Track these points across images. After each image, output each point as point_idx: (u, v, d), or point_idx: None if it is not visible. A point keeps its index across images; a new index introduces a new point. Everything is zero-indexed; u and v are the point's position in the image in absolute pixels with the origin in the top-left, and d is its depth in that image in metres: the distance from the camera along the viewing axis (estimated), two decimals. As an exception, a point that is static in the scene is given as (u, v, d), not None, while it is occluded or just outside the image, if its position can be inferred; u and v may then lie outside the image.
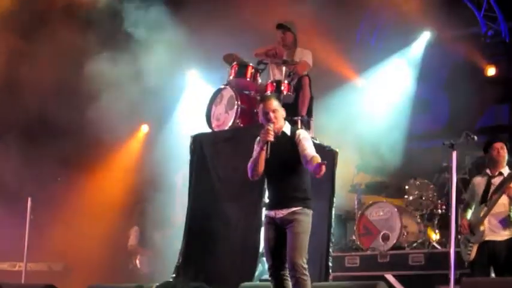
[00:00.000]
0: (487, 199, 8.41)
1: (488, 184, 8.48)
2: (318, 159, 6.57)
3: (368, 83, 13.80)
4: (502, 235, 8.28)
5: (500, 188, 8.32)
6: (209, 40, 12.10)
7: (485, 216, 8.31)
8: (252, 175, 6.92)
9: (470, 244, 8.35)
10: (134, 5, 12.47)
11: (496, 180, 8.45)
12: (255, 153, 6.87)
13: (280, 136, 6.84)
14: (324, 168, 6.47)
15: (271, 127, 6.75)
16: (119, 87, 12.54)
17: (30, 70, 12.48)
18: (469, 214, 8.58)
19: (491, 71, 13.39)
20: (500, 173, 8.49)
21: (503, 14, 13.47)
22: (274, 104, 6.90)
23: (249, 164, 6.91)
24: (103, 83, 12.51)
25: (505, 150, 8.53)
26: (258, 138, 6.84)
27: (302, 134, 6.89)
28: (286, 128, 6.92)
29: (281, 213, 6.73)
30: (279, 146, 6.74)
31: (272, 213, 6.82)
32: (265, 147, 6.73)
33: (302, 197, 6.77)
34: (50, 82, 12.72)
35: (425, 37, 13.89)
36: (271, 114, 6.83)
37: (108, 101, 12.60)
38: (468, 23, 13.79)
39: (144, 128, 15.21)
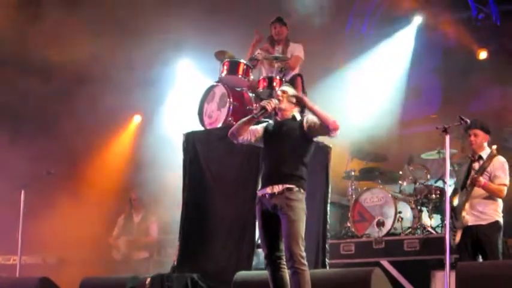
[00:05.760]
0: (466, 184, 8.41)
1: (469, 169, 8.47)
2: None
3: (359, 71, 13.75)
4: (484, 219, 8.28)
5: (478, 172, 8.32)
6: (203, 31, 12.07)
7: (465, 202, 8.31)
8: (232, 132, 6.96)
9: (455, 229, 8.32)
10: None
11: (476, 165, 8.45)
12: (247, 117, 6.99)
13: (290, 119, 6.93)
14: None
15: (275, 102, 6.86)
16: (112, 77, 12.49)
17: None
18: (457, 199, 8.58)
19: (482, 55, 13.39)
20: (480, 157, 8.46)
21: (494, -3, 13.46)
22: (287, 87, 7.13)
23: (236, 123, 7.00)
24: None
25: (480, 137, 8.47)
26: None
27: (310, 117, 6.89)
28: (297, 113, 6.98)
29: (276, 188, 6.64)
30: (286, 128, 6.83)
31: (267, 190, 6.70)
32: (258, 110, 6.86)
33: (297, 175, 6.70)
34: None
35: (416, 22, 13.86)
36: (279, 92, 7.02)
37: (100, 90, 12.57)
38: (459, 7, 13.75)
39: (137, 119, 15.19)
